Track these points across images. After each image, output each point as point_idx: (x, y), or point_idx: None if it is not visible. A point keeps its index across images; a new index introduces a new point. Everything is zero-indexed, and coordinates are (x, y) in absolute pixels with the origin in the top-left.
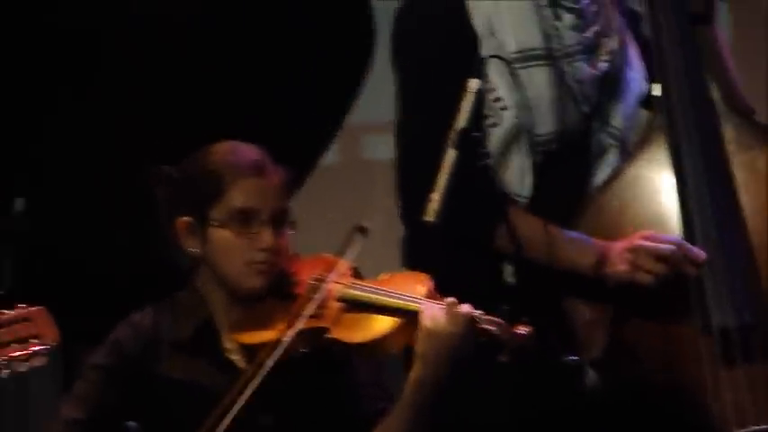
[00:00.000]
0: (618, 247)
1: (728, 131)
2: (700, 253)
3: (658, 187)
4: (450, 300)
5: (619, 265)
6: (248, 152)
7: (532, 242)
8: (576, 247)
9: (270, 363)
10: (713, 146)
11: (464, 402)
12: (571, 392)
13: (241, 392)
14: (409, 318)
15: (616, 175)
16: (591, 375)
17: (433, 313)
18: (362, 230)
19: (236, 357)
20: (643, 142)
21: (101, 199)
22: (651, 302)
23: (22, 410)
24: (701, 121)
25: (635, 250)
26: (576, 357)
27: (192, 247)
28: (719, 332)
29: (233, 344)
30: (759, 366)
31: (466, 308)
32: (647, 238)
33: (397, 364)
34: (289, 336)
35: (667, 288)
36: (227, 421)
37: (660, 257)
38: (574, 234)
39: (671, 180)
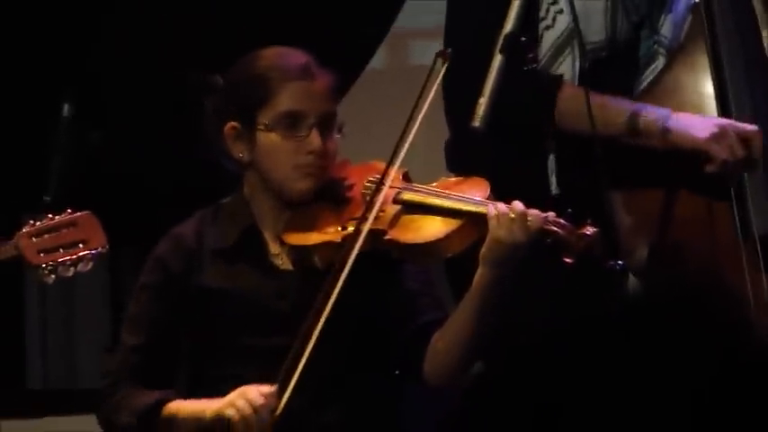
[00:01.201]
0: (698, 116)
1: None
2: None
3: (699, 92)
4: (519, 205)
5: (699, 130)
6: (295, 56)
7: (595, 112)
8: (639, 107)
9: (348, 266)
10: (753, 50)
11: (518, 304)
12: (614, 298)
13: (327, 298)
14: (470, 220)
15: (657, 80)
16: (632, 281)
17: (504, 217)
18: (444, 55)
19: (281, 262)
20: (683, 48)
21: (149, 106)
22: (695, 206)
23: (69, 315)
24: (740, 27)
25: (726, 126)
26: (620, 262)
27: (240, 152)
28: (760, 238)
29: (278, 248)
30: None
31: (535, 211)
32: (732, 126)
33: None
34: (360, 237)
35: (711, 190)
36: (319, 327)
37: (738, 150)
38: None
39: (710, 86)
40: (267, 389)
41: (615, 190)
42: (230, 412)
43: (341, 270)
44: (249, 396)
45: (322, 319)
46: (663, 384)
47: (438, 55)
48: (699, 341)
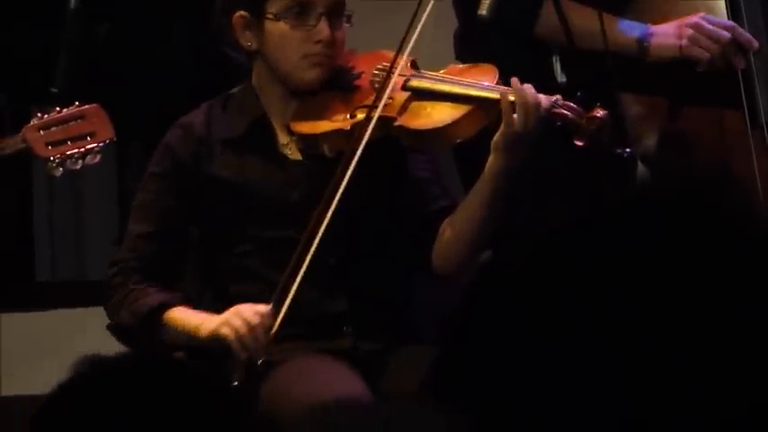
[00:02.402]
0: (672, 24)
1: None
2: (751, 40)
3: None
4: (528, 88)
5: (674, 39)
6: None
7: (578, 27)
8: (622, 23)
9: (359, 152)
10: None
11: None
12: (623, 185)
13: (336, 186)
14: (480, 105)
15: None
16: (641, 169)
17: (515, 103)
18: None
19: (290, 152)
20: None
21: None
22: (703, 95)
23: (77, 208)
24: None
25: (696, 25)
26: (628, 150)
27: (248, 41)
28: None
29: (287, 138)
30: None
31: (543, 96)
32: (705, 19)
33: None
34: (370, 124)
35: (718, 80)
36: (329, 213)
37: (717, 35)
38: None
39: None
40: (263, 307)
41: (623, 88)
42: (225, 331)
43: (351, 158)
44: (244, 315)
45: (331, 209)
46: (670, 277)
47: None
48: (707, 229)
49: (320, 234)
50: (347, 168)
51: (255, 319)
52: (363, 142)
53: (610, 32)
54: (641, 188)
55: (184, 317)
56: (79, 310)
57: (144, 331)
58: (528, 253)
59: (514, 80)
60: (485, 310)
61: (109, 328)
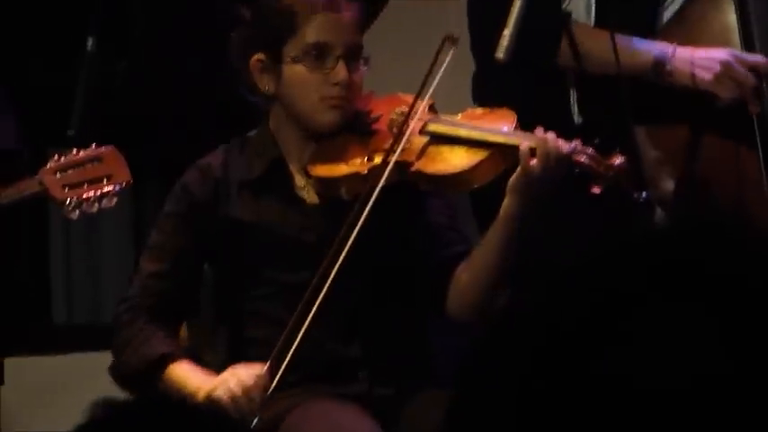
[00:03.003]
0: (701, 52)
1: None
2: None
3: (721, 23)
4: (551, 135)
5: (698, 69)
6: None
7: (596, 50)
8: (642, 43)
9: (374, 196)
10: None
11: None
12: (641, 229)
13: (351, 228)
14: (498, 151)
15: (680, 12)
16: (658, 213)
17: (538, 151)
18: (452, 40)
19: (307, 195)
20: None
21: (174, 39)
22: (720, 139)
23: (94, 251)
24: None
25: (726, 65)
26: (645, 194)
27: (266, 85)
28: None
29: (304, 180)
30: None
31: (563, 142)
32: (735, 57)
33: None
34: (387, 167)
35: (735, 123)
36: (342, 256)
37: (745, 79)
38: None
39: (734, 16)
40: (258, 368)
41: (639, 124)
42: (219, 393)
43: (366, 201)
44: (240, 377)
45: (342, 254)
46: (685, 314)
47: (446, 38)
48: (722, 272)
49: (330, 279)
50: (361, 213)
51: (250, 381)
52: (379, 187)
53: (631, 53)
54: (659, 231)
55: (185, 375)
56: (95, 354)
57: (145, 377)
58: (543, 296)
59: (539, 129)
60: (501, 354)
61: (110, 369)
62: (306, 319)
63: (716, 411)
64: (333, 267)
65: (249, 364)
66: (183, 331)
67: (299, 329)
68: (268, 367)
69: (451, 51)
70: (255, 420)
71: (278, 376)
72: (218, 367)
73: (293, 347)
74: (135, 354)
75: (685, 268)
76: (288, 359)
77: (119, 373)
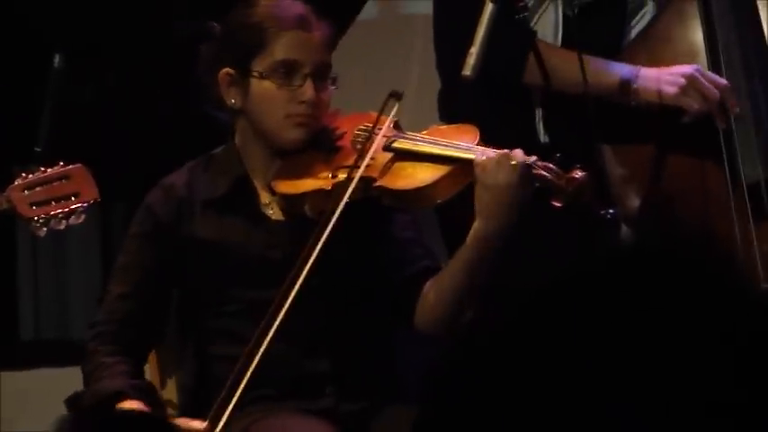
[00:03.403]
0: (664, 70)
1: None
2: (735, 104)
3: (688, 43)
4: (503, 151)
5: (664, 85)
6: (293, 5)
7: (562, 69)
8: (608, 64)
9: (338, 212)
10: (743, 2)
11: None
12: (607, 246)
13: (314, 245)
14: (459, 166)
15: (647, 29)
16: (624, 230)
17: (489, 163)
18: (397, 96)
19: (272, 211)
20: None
21: (140, 55)
22: (686, 156)
23: (61, 268)
24: None
25: (691, 77)
26: (611, 211)
27: (233, 98)
28: (749, 187)
29: (269, 197)
30: None
31: (520, 154)
32: (700, 72)
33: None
34: (350, 185)
35: (702, 141)
36: (304, 273)
37: (709, 92)
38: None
39: (700, 36)
40: (198, 424)
41: (605, 142)
42: None
43: (330, 218)
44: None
45: (306, 269)
46: (654, 333)
47: (391, 95)
48: (690, 289)
49: (291, 298)
50: (324, 229)
51: None
52: (343, 203)
53: (596, 73)
54: (624, 248)
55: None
56: (62, 369)
57: (100, 407)
58: (512, 313)
59: (486, 150)
60: (468, 369)
61: (65, 402)
62: (264, 339)
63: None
64: (294, 285)
65: (188, 419)
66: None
67: (258, 351)
68: (209, 422)
69: (396, 106)
70: None
71: (223, 419)
72: (186, 386)
73: (249, 372)
74: (91, 390)
75: (648, 290)
76: (238, 394)
77: (73, 407)
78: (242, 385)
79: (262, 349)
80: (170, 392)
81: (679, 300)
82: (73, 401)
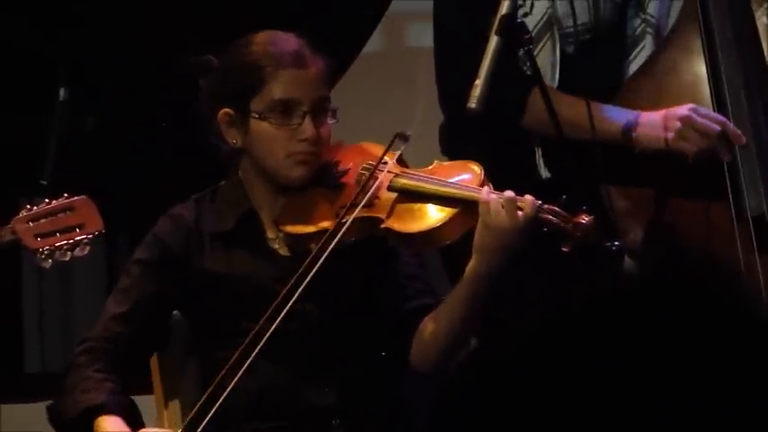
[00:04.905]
0: (660, 114)
1: (761, 18)
2: (740, 135)
3: (692, 75)
4: (509, 193)
5: (661, 131)
6: (288, 42)
7: (565, 116)
8: (608, 111)
9: (328, 251)
10: (746, 33)
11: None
12: (610, 278)
13: (301, 281)
14: (466, 207)
15: (650, 62)
16: (628, 262)
17: (495, 207)
18: (404, 138)
19: (279, 246)
20: (677, 30)
21: (144, 89)
22: (689, 188)
23: (67, 300)
24: (734, 8)
25: (686, 119)
26: (616, 243)
27: (233, 138)
28: (753, 219)
29: (276, 234)
30: None
31: (529, 200)
32: (695, 111)
33: (436, 262)
34: (345, 225)
35: (705, 173)
36: (287, 308)
37: (707, 130)
38: (606, 105)
39: (704, 68)
40: None
41: (607, 175)
42: None
43: (318, 258)
44: None
45: (287, 307)
46: (660, 365)
47: (398, 135)
48: (695, 321)
49: (269, 332)
50: (311, 268)
51: None
52: (333, 243)
53: (596, 120)
54: (628, 280)
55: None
56: None
57: (76, 425)
58: (517, 345)
59: (491, 191)
60: (472, 401)
61: (47, 409)
62: (237, 371)
63: None
64: (273, 321)
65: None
66: (155, 363)
67: (233, 375)
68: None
69: (402, 147)
70: None
71: (300, 289)
72: (189, 401)
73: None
74: (73, 400)
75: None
76: (313, 271)
77: (53, 416)
78: (216, 405)
79: (239, 373)
80: (173, 414)
81: (685, 329)
82: (53, 409)
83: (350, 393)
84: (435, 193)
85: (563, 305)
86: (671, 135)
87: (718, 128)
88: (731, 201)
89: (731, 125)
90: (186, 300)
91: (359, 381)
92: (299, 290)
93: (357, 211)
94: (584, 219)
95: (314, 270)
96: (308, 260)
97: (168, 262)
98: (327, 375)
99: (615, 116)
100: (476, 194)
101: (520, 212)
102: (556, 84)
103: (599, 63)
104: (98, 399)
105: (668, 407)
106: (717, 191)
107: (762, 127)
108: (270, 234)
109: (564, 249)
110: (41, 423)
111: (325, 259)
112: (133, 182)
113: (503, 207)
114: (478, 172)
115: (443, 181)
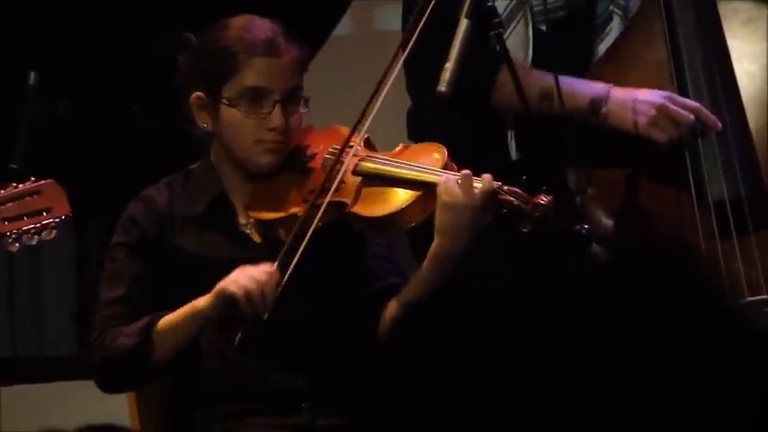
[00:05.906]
0: (634, 95)
1: (724, 6)
2: (716, 121)
3: (655, 59)
4: (466, 171)
5: (631, 114)
6: (263, 29)
7: (532, 89)
8: (578, 83)
9: (306, 238)
10: (707, 18)
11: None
12: (579, 262)
13: (284, 268)
14: (428, 190)
15: (613, 48)
16: (595, 248)
17: (451, 186)
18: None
19: (251, 232)
20: (639, 15)
21: (115, 69)
22: (660, 172)
23: (36, 284)
24: None
25: (662, 108)
26: (586, 226)
27: (204, 122)
28: (714, 204)
29: (247, 218)
30: (757, 237)
31: (486, 179)
32: (671, 100)
33: (405, 243)
34: (319, 211)
35: (674, 159)
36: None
37: (682, 119)
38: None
39: (666, 53)
40: (268, 266)
41: (577, 161)
42: (232, 288)
43: (299, 245)
44: (251, 272)
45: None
46: (627, 351)
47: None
48: (665, 306)
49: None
50: (294, 255)
51: (263, 276)
52: (311, 230)
53: (564, 92)
54: (596, 265)
55: (177, 312)
56: (38, 386)
57: (144, 347)
58: (476, 329)
59: (449, 172)
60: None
61: (95, 368)
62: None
63: None
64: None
65: (255, 265)
66: None
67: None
68: (278, 264)
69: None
70: (266, 315)
71: (288, 272)
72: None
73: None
74: (126, 332)
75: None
76: (295, 260)
77: (108, 362)
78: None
79: None
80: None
81: (654, 315)
82: (106, 359)
83: (320, 377)
84: (398, 176)
85: (527, 288)
86: (642, 120)
87: (692, 118)
88: (692, 186)
89: (705, 111)
90: (167, 282)
91: (329, 364)
92: (285, 279)
93: (329, 196)
94: (543, 199)
95: (296, 259)
96: (284, 248)
97: (146, 242)
98: (297, 359)
99: (585, 89)
100: (435, 176)
101: (476, 189)
102: (529, 61)
103: (572, 41)
104: (143, 320)
105: (635, 395)
106: (684, 178)
107: (722, 113)
108: (242, 219)
109: (524, 230)
110: (10, 407)
111: (297, 244)
112: (105, 166)
113: (458, 186)
114: (442, 154)
115: (406, 164)
